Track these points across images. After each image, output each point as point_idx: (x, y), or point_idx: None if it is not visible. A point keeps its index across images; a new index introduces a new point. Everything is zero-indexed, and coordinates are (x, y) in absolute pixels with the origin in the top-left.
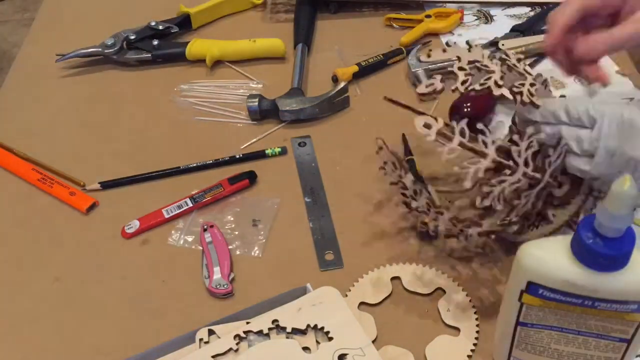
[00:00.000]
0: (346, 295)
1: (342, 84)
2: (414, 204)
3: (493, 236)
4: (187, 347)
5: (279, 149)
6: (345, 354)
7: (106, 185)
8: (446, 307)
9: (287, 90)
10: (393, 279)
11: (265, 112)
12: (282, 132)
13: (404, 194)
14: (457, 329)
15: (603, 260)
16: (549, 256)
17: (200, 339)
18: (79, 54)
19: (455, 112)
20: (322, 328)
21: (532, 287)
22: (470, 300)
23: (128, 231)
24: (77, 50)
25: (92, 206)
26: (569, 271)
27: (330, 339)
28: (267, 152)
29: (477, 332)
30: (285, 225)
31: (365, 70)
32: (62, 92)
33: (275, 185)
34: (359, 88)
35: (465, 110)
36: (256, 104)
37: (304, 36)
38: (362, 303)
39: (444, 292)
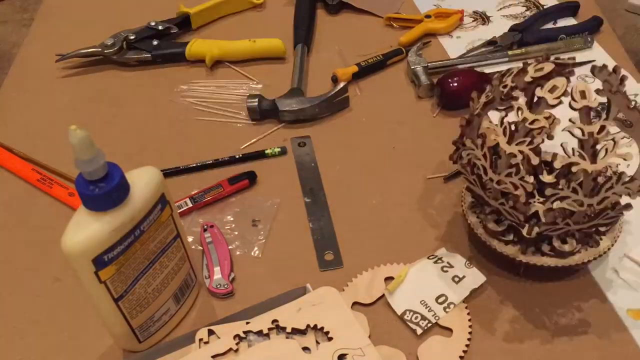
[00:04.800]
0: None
1: (341, 84)
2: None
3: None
4: (187, 347)
5: (279, 149)
6: (345, 354)
7: None
8: None
9: (287, 90)
10: (387, 279)
11: (265, 112)
12: (281, 132)
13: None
14: (450, 330)
15: (103, 199)
16: (85, 232)
17: (200, 339)
18: (79, 54)
19: (439, 85)
20: (322, 328)
21: (97, 262)
22: (463, 301)
23: None
24: (77, 50)
25: None
26: (93, 226)
27: (330, 339)
28: (266, 152)
29: (470, 332)
30: (285, 225)
31: (365, 71)
32: (62, 92)
33: (275, 186)
34: (358, 88)
35: (451, 85)
36: (256, 104)
37: (303, 36)
38: (355, 303)
39: None
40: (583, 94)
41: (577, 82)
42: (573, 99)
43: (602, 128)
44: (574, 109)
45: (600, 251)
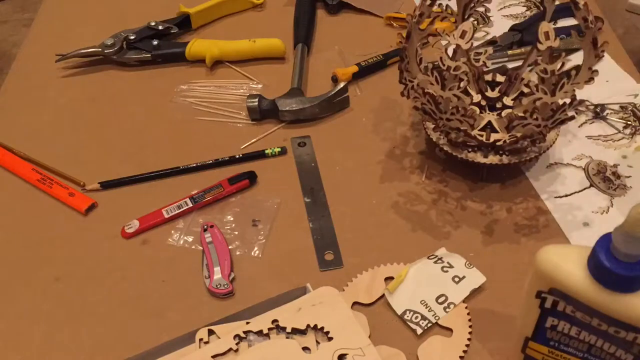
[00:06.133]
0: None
1: (341, 84)
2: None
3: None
4: (187, 347)
5: (279, 149)
6: (345, 354)
7: (106, 185)
8: None
9: (287, 90)
10: (387, 279)
11: (265, 112)
12: (282, 132)
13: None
14: (450, 330)
15: (612, 278)
16: (565, 265)
17: (200, 339)
18: (79, 54)
19: None
20: (322, 328)
21: (553, 292)
22: (463, 301)
23: (128, 231)
24: (77, 50)
25: (91, 207)
26: (581, 283)
27: (330, 339)
28: (266, 152)
29: (470, 332)
30: (285, 225)
31: (365, 70)
32: (62, 92)
33: (275, 185)
34: (358, 88)
35: None
36: (256, 103)
37: (304, 36)
38: (355, 303)
39: None
40: (547, 35)
41: (542, 23)
42: (538, 40)
43: (563, 65)
44: (539, 50)
45: (548, 144)
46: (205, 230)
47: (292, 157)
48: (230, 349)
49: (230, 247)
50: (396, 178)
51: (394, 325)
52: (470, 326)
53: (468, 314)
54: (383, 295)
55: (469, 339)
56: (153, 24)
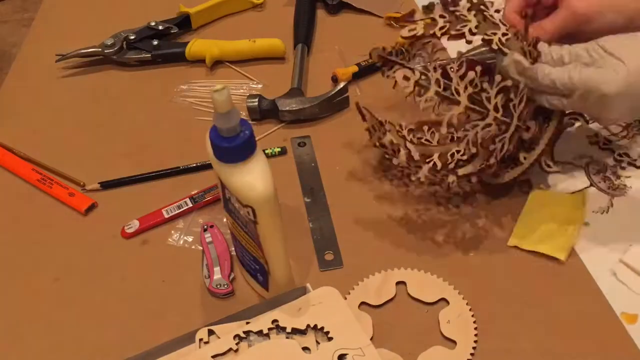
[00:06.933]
0: (349, 293)
1: (341, 84)
2: (395, 161)
3: (474, 179)
4: (187, 347)
5: (279, 149)
6: (345, 354)
7: (106, 185)
8: (447, 319)
9: (287, 90)
10: (398, 283)
11: (265, 112)
12: (281, 132)
13: (385, 153)
14: (454, 342)
15: (222, 152)
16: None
17: (200, 339)
18: (79, 54)
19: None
20: (322, 328)
21: None
22: (472, 315)
23: (128, 231)
24: (77, 50)
25: (91, 207)
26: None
27: (330, 339)
28: (266, 152)
29: (474, 347)
30: (285, 225)
31: (365, 70)
32: (62, 92)
33: (275, 185)
34: (358, 88)
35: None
36: (256, 103)
37: (303, 36)
38: (363, 303)
39: (448, 303)
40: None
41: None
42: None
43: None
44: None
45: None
46: (205, 230)
47: (292, 157)
48: (230, 349)
49: (230, 247)
50: (397, 178)
51: (398, 330)
52: (475, 341)
53: (475, 328)
54: (392, 299)
55: (472, 354)
56: (153, 24)
